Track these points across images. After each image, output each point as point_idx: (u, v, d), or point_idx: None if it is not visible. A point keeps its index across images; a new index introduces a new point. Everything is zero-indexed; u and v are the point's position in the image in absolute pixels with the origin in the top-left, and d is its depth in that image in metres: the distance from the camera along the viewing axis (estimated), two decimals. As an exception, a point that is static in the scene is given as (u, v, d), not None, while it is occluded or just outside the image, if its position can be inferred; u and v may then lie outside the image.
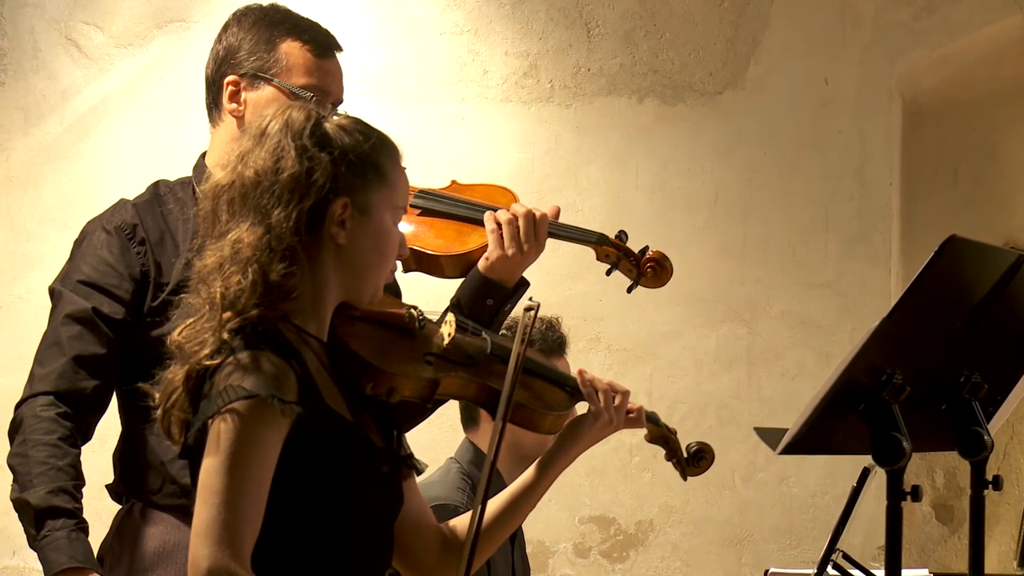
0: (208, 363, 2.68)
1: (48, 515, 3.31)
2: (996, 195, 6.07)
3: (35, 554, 3.31)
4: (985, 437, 3.20)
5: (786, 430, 3.21)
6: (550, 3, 5.93)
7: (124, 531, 3.47)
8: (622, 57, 5.90)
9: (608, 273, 3.70)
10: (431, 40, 5.95)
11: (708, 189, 5.84)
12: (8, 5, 6.09)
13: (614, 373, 5.75)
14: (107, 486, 3.57)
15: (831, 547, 4.08)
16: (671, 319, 5.82)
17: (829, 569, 4.09)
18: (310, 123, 2.79)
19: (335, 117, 2.85)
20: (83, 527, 3.32)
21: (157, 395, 2.78)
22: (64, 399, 3.38)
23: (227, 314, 2.70)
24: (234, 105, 3.54)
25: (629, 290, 3.71)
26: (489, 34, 5.95)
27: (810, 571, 4.12)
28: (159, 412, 2.76)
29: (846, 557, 4.14)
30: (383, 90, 5.86)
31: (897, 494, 3.07)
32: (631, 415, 3.07)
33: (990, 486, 3.30)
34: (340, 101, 3.59)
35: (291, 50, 3.53)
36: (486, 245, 3.50)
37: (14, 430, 3.40)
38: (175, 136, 5.89)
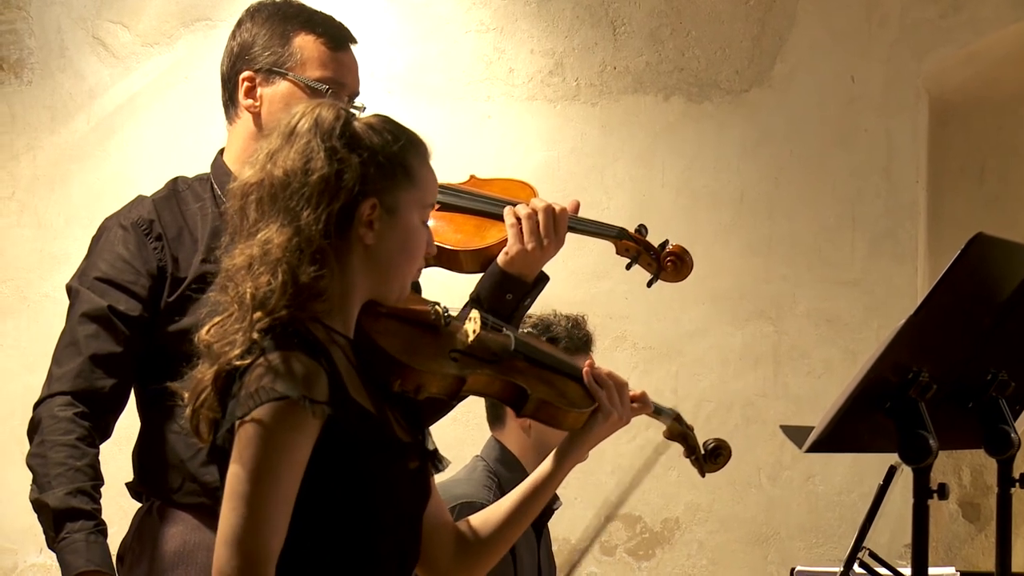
0: (238, 363, 2.67)
1: (67, 517, 3.31)
2: (1022, 192, 6.06)
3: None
4: (1012, 435, 3.20)
5: (812, 428, 3.21)
6: (576, 1, 5.93)
7: (144, 530, 3.45)
8: (648, 55, 5.90)
9: (628, 267, 3.69)
10: (457, 38, 5.95)
11: (734, 187, 5.84)
12: (35, 4, 6.10)
13: (640, 371, 5.76)
14: (127, 484, 3.56)
15: (857, 545, 4.07)
16: (697, 317, 5.82)
17: (856, 567, 4.09)
18: (339, 123, 2.78)
19: (364, 116, 2.84)
20: (102, 529, 3.31)
21: (185, 393, 2.77)
22: (81, 399, 3.37)
23: (257, 314, 2.69)
24: (250, 101, 3.53)
25: (649, 284, 3.70)
26: (515, 32, 5.95)
27: (837, 569, 4.11)
28: (188, 411, 2.76)
29: (872, 555, 4.14)
30: (409, 88, 5.86)
31: (924, 492, 3.06)
32: (635, 404, 3.07)
33: (1017, 484, 3.30)
34: (356, 93, 3.58)
35: (305, 43, 3.51)
36: (505, 240, 3.48)
37: (32, 430, 3.40)
38: (201, 134, 5.90)
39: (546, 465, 3.02)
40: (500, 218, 3.52)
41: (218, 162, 3.60)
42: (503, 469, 4.32)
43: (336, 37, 3.55)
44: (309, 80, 3.50)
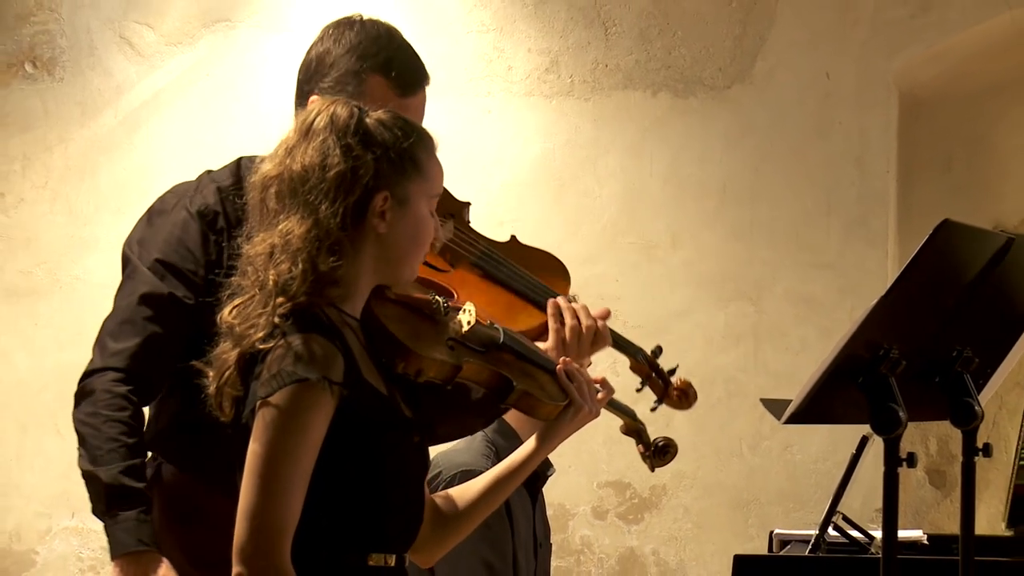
0: (261, 346, 2.67)
1: (119, 494, 3.27)
2: (986, 182, 6.05)
3: (93, 517, 3.30)
4: (976, 407, 3.20)
5: (790, 401, 3.21)
6: (570, 3, 5.92)
7: (152, 485, 3.39)
8: (637, 54, 5.89)
9: (638, 390, 3.70)
10: (459, 38, 5.95)
11: (718, 177, 5.84)
12: (66, 7, 6.10)
13: (630, 348, 5.76)
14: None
15: (832, 510, 4.08)
16: (683, 298, 5.82)
17: (830, 530, 4.10)
18: (353, 120, 2.78)
19: (376, 112, 2.84)
20: (148, 509, 3.30)
21: (210, 371, 2.78)
22: (133, 379, 3.33)
23: (280, 299, 2.69)
24: None
25: (653, 409, 3.73)
26: (513, 32, 5.95)
27: (812, 532, 4.12)
28: (212, 388, 2.76)
29: (846, 519, 4.15)
30: (415, 85, 5.87)
31: (894, 461, 3.07)
32: (600, 395, 3.10)
33: (980, 453, 3.30)
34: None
35: (376, 87, 3.41)
36: (534, 328, 3.45)
37: (84, 397, 3.34)
38: (221, 128, 5.91)
39: (523, 450, 3.03)
40: (535, 303, 3.52)
41: None
42: (500, 439, 4.32)
43: (407, 83, 3.45)
44: None
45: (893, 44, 5.78)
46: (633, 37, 5.89)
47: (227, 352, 2.73)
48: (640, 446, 3.35)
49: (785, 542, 4.42)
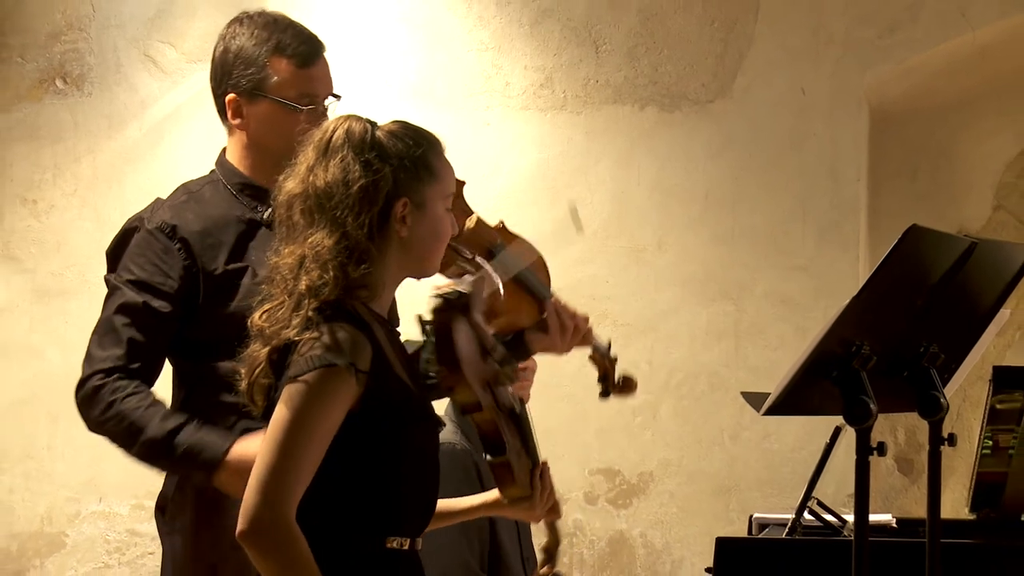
0: (296, 337, 2.69)
1: (172, 434, 3.25)
2: (951, 190, 6.06)
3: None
4: (941, 400, 3.20)
5: (768, 394, 3.21)
6: (563, 24, 5.92)
7: (184, 483, 3.40)
8: (626, 71, 5.89)
9: (599, 380, 3.82)
10: (461, 56, 5.95)
11: (701, 185, 5.84)
12: (95, 27, 6.10)
13: (619, 344, 5.70)
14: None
15: (807, 495, 4.08)
16: (669, 298, 5.82)
17: (806, 514, 4.09)
18: (368, 135, 2.81)
19: (385, 124, 2.86)
20: (200, 422, 3.28)
21: (241, 370, 2.79)
22: (125, 373, 3.34)
23: (312, 302, 2.72)
24: (238, 120, 3.50)
25: (601, 396, 3.84)
26: (511, 51, 5.95)
27: (789, 516, 4.12)
28: (244, 384, 2.77)
29: (820, 504, 4.15)
30: (419, 98, 5.87)
31: (865, 449, 3.07)
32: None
33: (946, 443, 3.30)
34: (330, 93, 3.54)
35: (278, 67, 3.46)
36: (533, 322, 3.59)
37: (89, 402, 3.34)
38: (239, 140, 5.90)
39: (464, 503, 3.07)
40: (536, 298, 3.60)
41: (223, 161, 3.56)
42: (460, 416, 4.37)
43: (305, 55, 3.49)
44: (286, 99, 3.45)
45: (864, 62, 5.78)
46: (622, 55, 5.89)
47: (258, 351, 2.74)
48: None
49: (764, 525, 4.42)
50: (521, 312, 3.59)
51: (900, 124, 6.04)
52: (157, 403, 3.32)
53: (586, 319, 3.70)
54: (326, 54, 3.56)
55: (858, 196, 5.81)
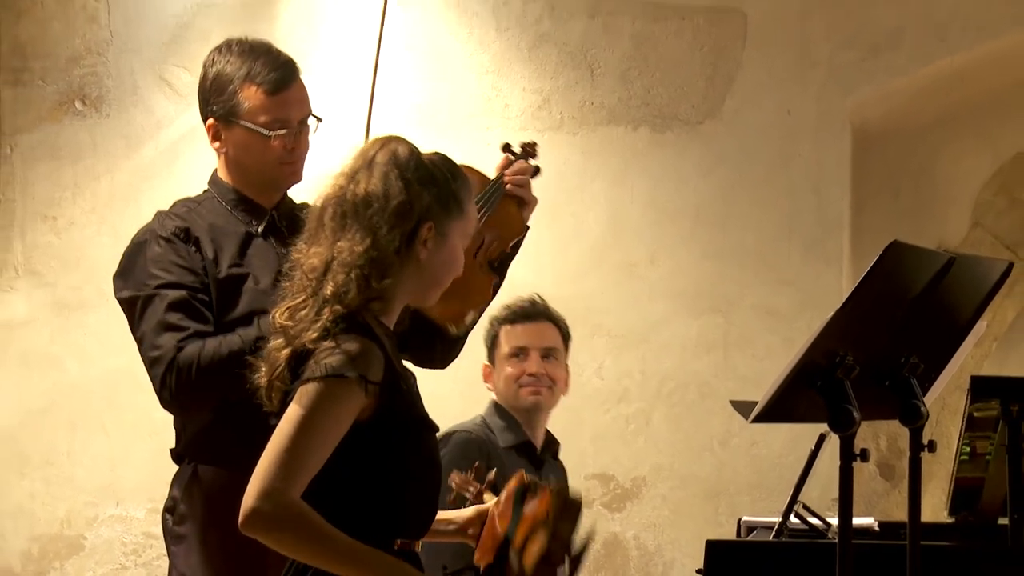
0: (312, 346, 2.70)
1: (258, 327, 3.23)
2: (930, 207, 6.06)
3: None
4: (921, 408, 3.20)
5: (756, 403, 3.21)
6: (560, 48, 5.92)
7: (191, 487, 3.38)
8: (620, 93, 5.89)
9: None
10: (462, 79, 5.95)
11: (692, 203, 5.84)
12: (112, 51, 6.10)
13: (613, 355, 5.76)
14: (170, 449, 3.48)
15: (793, 499, 4.08)
16: (661, 310, 5.82)
17: (792, 518, 4.09)
18: (413, 159, 2.83)
19: (427, 152, 2.88)
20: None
21: (263, 366, 2.79)
22: (193, 338, 3.30)
23: (336, 307, 2.72)
24: (217, 144, 3.53)
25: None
26: (509, 74, 5.95)
27: (776, 519, 4.12)
28: (263, 381, 2.78)
29: (806, 507, 4.15)
30: (423, 119, 5.87)
31: (848, 455, 3.07)
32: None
33: (926, 449, 3.31)
34: (307, 115, 3.53)
35: (248, 95, 3.46)
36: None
37: (180, 373, 3.26)
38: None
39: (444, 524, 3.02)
40: (498, 201, 3.65)
41: (216, 179, 3.58)
42: (497, 419, 4.44)
43: (275, 82, 3.48)
44: (258, 125, 3.45)
45: (847, 85, 5.78)
46: (616, 78, 5.90)
47: (279, 349, 2.75)
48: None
49: (752, 528, 4.42)
50: (510, 219, 3.56)
51: (882, 144, 6.04)
52: (227, 335, 3.29)
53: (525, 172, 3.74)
54: (303, 77, 3.55)
55: (842, 213, 5.81)
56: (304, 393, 2.66)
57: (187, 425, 3.44)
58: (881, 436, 5.98)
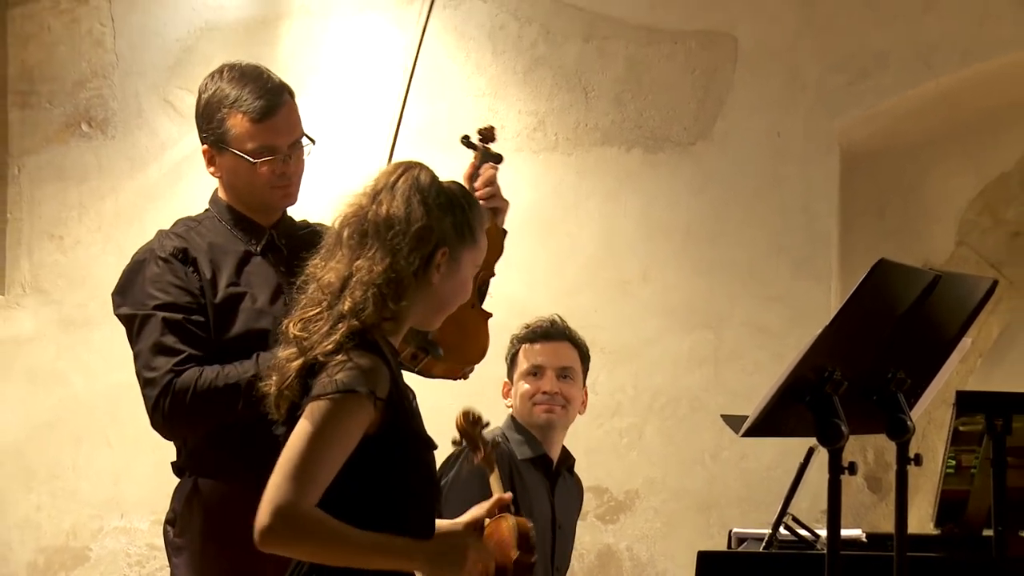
0: (324, 359, 2.70)
1: (255, 364, 3.23)
2: (916, 226, 6.06)
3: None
4: (908, 422, 3.20)
5: (746, 417, 3.21)
6: (555, 71, 5.93)
7: (192, 500, 3.38)
8: (613, 115, 5.90)
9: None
10: (459, 101, 5.96)
11: (683, 221, 5.84)
12: (117, 74, 6.11)
13: (607, 370, 5.76)
14: (172, 463, 3.48)
15: (783, 511, 4.08)
16: (653, 326, 5.82)
17: (781, 529, 4.09)
18: (435, 186, 2.85)
19: (446, 181, 2.89)
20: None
21: (273, 375, 2.79)
22: (191, 364, 3.30)
23: (353, 323, 2.73)
24: (212, 168, 3.53)
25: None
26: (506, 96, 5.96)
27: (766, 531, 4.11)
28: (273, 390, 2.78)
29: (795, 519, 4.15)
30: (422, 140, 5.85)
31: (836, 468, 3.07)
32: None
33: (912, 462, 3.31)
34: (299, 138, 3.52)
35: (235, 122, 3.46)
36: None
37: (175, 398, 3.27)
38: (252, 179, 5.90)
39: (407, 551, 2.85)
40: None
41: (216, 199, 3.58)
42: (515, 433, 4.45)
43: (261, 109, 3.46)
44: (245, 151, 3.45)
45: (835, 107, 5.79)
46: (609, 100, 5.91)
47: (291, 360, 2.75)
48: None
49: (742, 539, 4.42)
50: (492, 241, 3.55)
51: (869, 165, 6.05)
52: (225, 366, 3.29)
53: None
54: (303, 99, 3.56)
55: (830, 232, 5.81)
56: (316, 408, 2.66)
57: (188, 440, 3.43)
58: (869, 450, 5.98)
